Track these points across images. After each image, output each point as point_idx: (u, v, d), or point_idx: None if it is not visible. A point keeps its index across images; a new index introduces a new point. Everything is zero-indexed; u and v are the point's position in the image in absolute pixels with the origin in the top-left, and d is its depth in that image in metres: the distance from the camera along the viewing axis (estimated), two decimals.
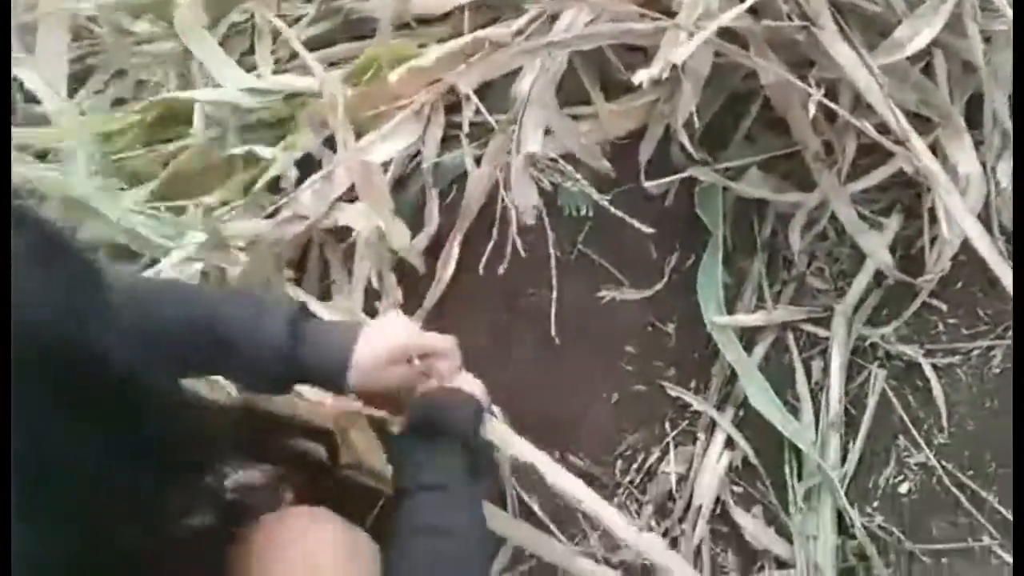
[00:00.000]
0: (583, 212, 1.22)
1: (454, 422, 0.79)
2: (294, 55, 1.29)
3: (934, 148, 1.10)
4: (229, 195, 1.10)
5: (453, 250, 1.15)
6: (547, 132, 1.19)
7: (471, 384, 0.86)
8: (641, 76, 1.00)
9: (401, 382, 0.81)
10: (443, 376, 0.83)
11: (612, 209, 1.14)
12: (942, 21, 1.04)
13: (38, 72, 1.16)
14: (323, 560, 0.71)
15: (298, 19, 1.29)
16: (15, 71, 1.16)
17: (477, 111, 1.17)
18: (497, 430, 0.88)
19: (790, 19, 1.05)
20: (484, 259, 1.14)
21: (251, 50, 1.29)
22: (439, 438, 0.78)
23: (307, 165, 1.15)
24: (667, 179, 1.18)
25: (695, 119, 1.11)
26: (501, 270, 1.15)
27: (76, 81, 1.39)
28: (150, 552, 0.54)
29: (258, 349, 0.76)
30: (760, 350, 1.16)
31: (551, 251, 1.15)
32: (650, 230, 1.17)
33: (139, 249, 1.06)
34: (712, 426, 1.14)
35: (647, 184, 1.18)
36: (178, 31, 1.22)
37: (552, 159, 1.23)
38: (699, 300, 1.16)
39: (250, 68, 1.26)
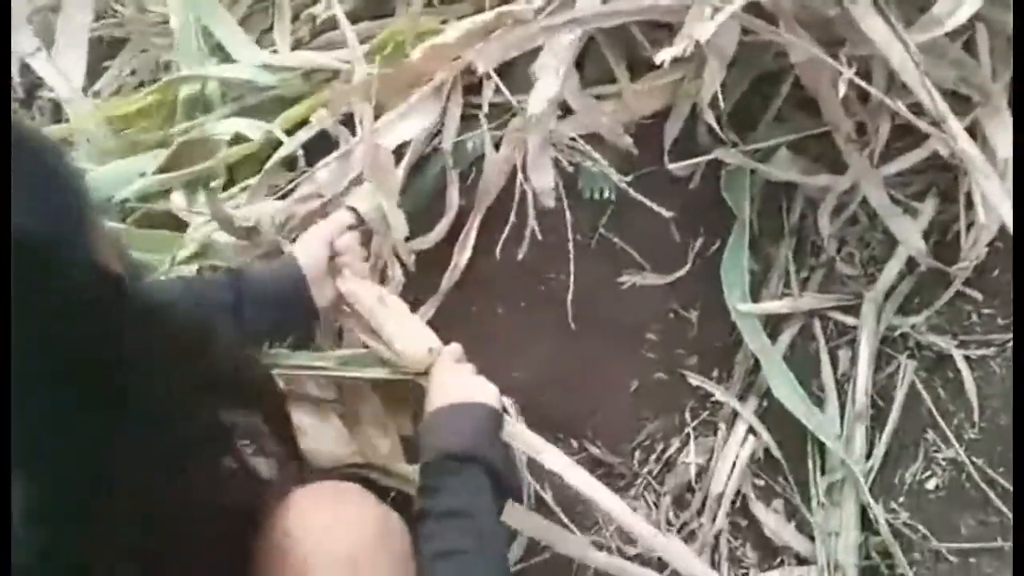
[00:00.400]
0: (605, 195, 1.19)
1: (478, 449, 0.78)
2: (315, 33, 1.29)
3: (973, 129, 1.05)
4: (242, 174, 1.09)
5: (471, 234, 1.13)
6: (569, 112, 1.16)
7: (485, 391, 0.85)
8: (664, 55, 0.97)
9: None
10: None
11: (632, 193, 1.12)
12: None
13: (56, 60, 1.17)
14: (357, 537, 0.70)
15: None
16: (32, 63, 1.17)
17: (497, 90, 1.15)
18: (510, 426, 0.86)
19: None
20: (501, 243, 1.12)
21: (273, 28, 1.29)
22: (465, 465, 0.77)
23: (323, 144, 1.14)
24: (692, 161, 1.14)
25: (721, 99, 1.08)
26: (520, 255, 1.13)
27: (100, 61, 1.40)
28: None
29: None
30: (785, 339, 1.12)
31: (570, 235, 1.13)
32: (671, 214, 1.15)
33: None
34: (734, 417, 1.11)
35: (671, 166, 1.15)
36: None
37: (572, 139, 1.21)
38: (723, 286, 1.13)
39: (272, 46, 1.26)
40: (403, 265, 1.06)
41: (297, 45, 1.27)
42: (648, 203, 1.13)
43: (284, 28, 1.22)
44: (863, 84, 0.98)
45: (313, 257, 0.92)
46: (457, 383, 0.86)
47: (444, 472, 0.76)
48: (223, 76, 1.17)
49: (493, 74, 1.12)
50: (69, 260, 0.49)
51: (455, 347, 0.92)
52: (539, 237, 1.11)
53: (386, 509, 0.76)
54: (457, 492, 0.75)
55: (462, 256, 1.12)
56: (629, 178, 1.14)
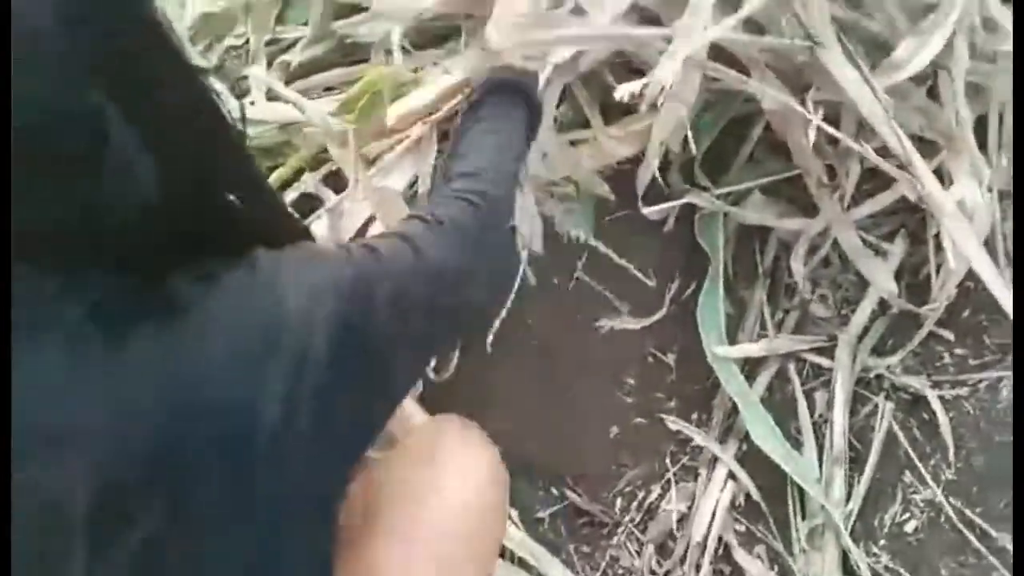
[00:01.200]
0: (581, 239, 1.20)
1: (524, 82, 0.89)
2: (290, 79, 1.28)
3: (939, 172, 1.07)
4: None
5: None
6: (544, 155, 1.17)
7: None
8: (623, 91, 0.97)
9: None
10: None
11: (602, 246, 1.12)
12: (942, 41, 1.01)
13: None
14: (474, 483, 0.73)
15: (294, 43, 1.28)
16: None
17: None
18: None
19: (792, 39, 1.03)
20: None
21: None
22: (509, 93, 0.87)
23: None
24: (665, 205, 1.15)
25: (693, 144, 1.09)
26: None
27: None
28: None
29: None
30: (762, 381, 1.13)
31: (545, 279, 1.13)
32: (649, 254, 1.16)
33: None
34: (714, 461, 1.10)
35: (645, 210, 1.16)
36: None
37: (552, 183, 1.22)
38: (700, 330, 1.13)
39: (245, 92, 1.25)
40: None
41: (271, 90, 1.27)
42: (626, 245, 1.15)
43: (260, 78, 1.22)
44: (832, 130, 0.99)
45: None
46: None
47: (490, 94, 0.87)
48: None
49: None
50: None
51: None
52: (532, 282, 1.11)
53: (496, 453, 0.79)
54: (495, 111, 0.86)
55: None
56: (607, 221, 1.16)
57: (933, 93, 1.08)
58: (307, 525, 0.55)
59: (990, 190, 1.05)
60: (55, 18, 0.41)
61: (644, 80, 0.89)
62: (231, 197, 0.55)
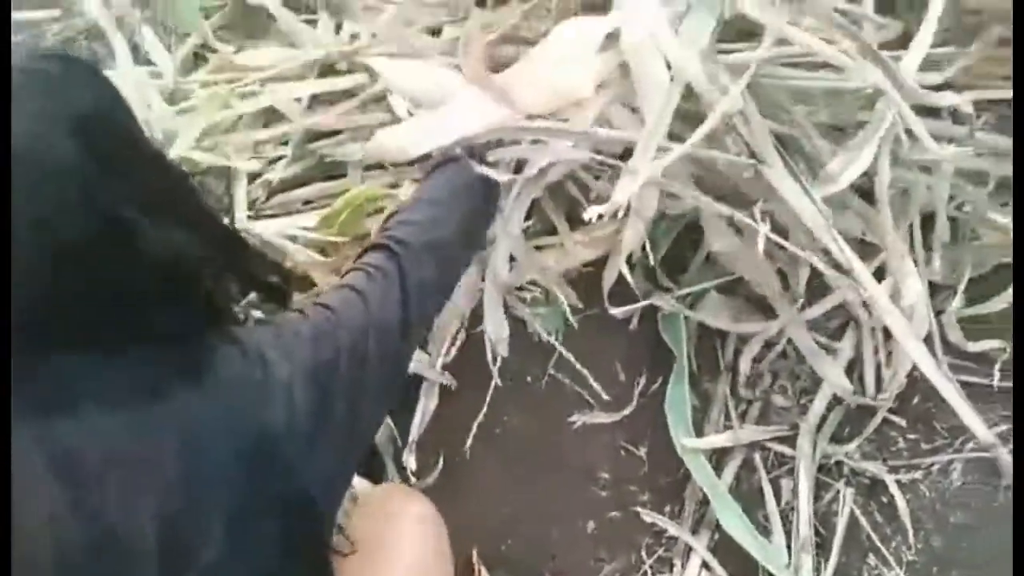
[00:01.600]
0: (553, 338, 1.26)
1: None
2: (270, 194, 1.35)
3: (881, 272, 1.16)
4: None
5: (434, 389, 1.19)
6: (513, 261, 1.24)
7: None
8: (591, 213, 1.05)
9: None
10: None
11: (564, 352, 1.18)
12: (871, 154, 1.11)
13: None
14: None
15: (275, 160, 1.35)
16: None
17: None
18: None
19: (737, 156, 1.12)
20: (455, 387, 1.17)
21: (227, 191, 1.34)
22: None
23: None
24: (630, 307, 1.22)
25: (650, 249, 1.16)
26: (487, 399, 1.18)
27: None
28: None
29: None
30: (730, 471, 1.18)
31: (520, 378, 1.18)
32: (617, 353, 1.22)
33: None
34: (688, 551, 1.15)
35: (612, 311, 1.23)
36: None
37: (520, 288, 1.29)
38: (668, 423, 1.19)
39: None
40: None
41: (252, 205, 1.33)
42: (591, 346, 1.21)
43: (241, 198, 1.28)
44: (780, 240, 1.07)
45: None
46: None
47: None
48: None
49: None
50: None
51: None
52: (498, 383, 1.16)
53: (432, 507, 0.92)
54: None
55: (429, 403, 1.17)
56: (576, 320, 1.22)
57: (870, 199, 1.18)
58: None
59: (930, 285, 1.14)
60: (80, 156, 0.52)
61: (604, 207, 0.97)
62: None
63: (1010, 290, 1.15)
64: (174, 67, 1.48)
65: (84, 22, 1.67)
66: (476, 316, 1.23)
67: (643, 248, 1.19)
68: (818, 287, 1.20)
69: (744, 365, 1.20)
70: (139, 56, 1.60)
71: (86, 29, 1.71)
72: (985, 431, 0.98)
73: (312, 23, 1.41)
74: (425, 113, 1.11)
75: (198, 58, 1.57)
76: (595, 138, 1.09)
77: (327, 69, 1.37)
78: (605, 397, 1.23)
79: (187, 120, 1.31)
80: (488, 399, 1.19)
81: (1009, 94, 1.21)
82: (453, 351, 1.22)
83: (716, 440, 1.19)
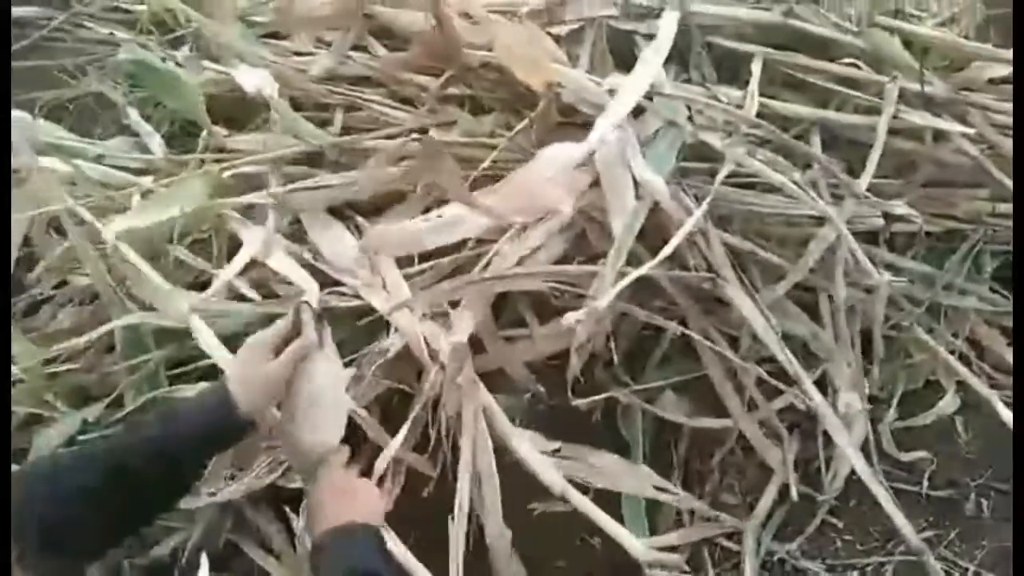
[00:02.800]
0: (518, 423, 1.31)
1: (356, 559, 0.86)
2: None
3: (823, 380, 1.26)
4: None
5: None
6: (483, 350, 1.30)
7: (368, 505, 0.93)
8: (569, 319, 1.13)
9: (283, 371, 0.91)
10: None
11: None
12: (806, 270, 1.24)
13: None
14: None
15: None
16: None
17: None
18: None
19: (696, 270, 1.22)
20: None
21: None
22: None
23: None
24: (591, 399, 1.29)
25: (613, 346, 1.25)
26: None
27: None
28: None
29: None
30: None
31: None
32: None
33: None
34: None
35: (575, 402, 1.29)
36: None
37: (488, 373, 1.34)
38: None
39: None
40: None
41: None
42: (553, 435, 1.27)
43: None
44: (730, 355, 1.17)
45: (242, 363, 0.93)
46: (335, 505, 0.90)
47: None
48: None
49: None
50: None
51: (343, 451, 0.97)
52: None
53: None
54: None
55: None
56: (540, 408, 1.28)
57: (816, 316, 1.29)
58: None
59: (868, 396, 1.25)
60: None
61: (576, 315, 1.05)
62: None
63: (939, 404, 1.26)
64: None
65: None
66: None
67: (605, 344, 1.28)
68: (765, 390, 1.30)
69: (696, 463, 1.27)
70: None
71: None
72: (915, 536, 1.07)
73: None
74: (421, 219, 1.20)
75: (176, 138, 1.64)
76: (563, 272, 1.20)
77: (316, 158, 1.45)
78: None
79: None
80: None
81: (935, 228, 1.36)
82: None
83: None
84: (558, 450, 1.24)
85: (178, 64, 1.54)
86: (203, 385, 1.18)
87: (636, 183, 1.21)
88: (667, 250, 1.10)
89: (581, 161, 1.17)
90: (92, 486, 0.80)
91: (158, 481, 0.85)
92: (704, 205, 1.14)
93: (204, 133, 1.51)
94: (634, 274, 1.11)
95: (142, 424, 0.97)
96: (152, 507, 0.88)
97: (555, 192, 1.14)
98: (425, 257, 1.29)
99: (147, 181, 1.42)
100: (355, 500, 0.93)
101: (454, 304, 1.24)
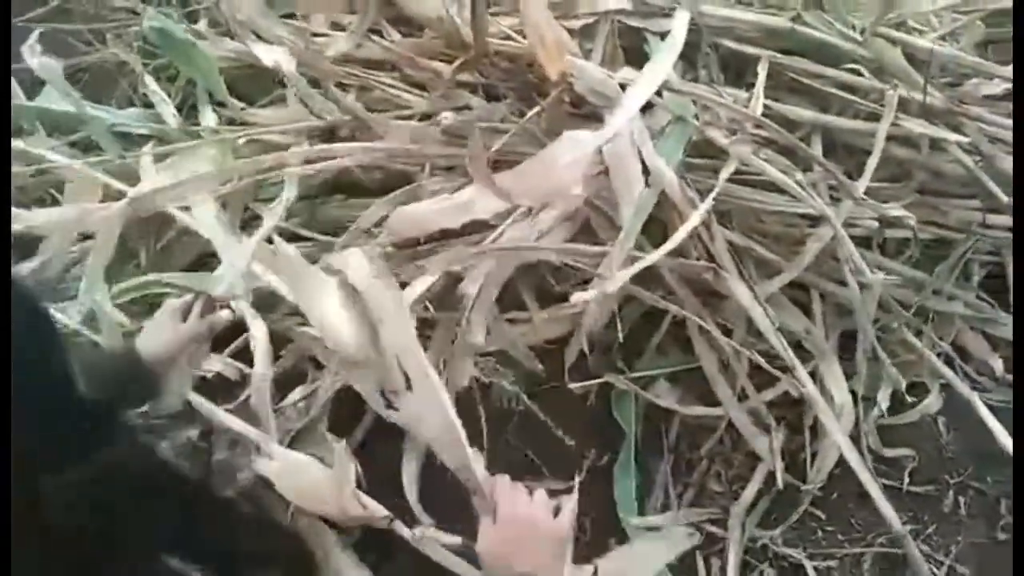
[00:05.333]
0: (513, 404, 1.34)
1: None
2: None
3: (813, 374, 1.30)
4: None
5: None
6: (488, 332, 1.33)
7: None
8: (577, 298, 1.17)
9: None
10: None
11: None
12: (801, 267, 1.28)
13: None
14: None
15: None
16: None
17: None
18: None
19: (698, 259, 1.26)
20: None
21: None
22: None
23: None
24: (587, 383, 1.33)
25: (619, 331, 1.28)
26: None
27: None
28: None
29: None
30: None
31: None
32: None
33: None
34: None
35: (571, 385, 1.33)
36: None
37: (488, 354, 1.37)
38: (615, 497, 1.28)
39: None
40: None
41: None
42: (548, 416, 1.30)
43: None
44: (725, 340, 1.20)
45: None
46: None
47: None
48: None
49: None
50: None
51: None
52: None
53: None
54: None
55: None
56: (536, 391, 1.31)
57: (808, 313, 1.33)
58: None
59: (853, 394, 1.29)
60: None
61: (585, 295, 1.09)
62: None
63: (923, 403, 1.31)
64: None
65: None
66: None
67: (604, 329, 1.32)
68: (757, 383, 1.33)
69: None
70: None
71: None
72: (898, 523, 1.11)
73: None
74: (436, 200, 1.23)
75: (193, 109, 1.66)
76: (574, 251, 1.23)
77: (328, 134, 1.48)
78: (557, 466, 1.31)
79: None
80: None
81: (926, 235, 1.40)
82: None
83: (657, 519, 1.28)
84: None
85: (198, 35, 1.56)
86: None
87: (646, 172, 1.24)
88: (676, 238, 1.14)
89: (596, 149, 1.20)
90: None
91: None
92: (711, 198, 1.18)
93: (213, 106, 1.55)
94: (645, 260, 1.15)
95: None
96: None
97: (568, 177, 1.18)
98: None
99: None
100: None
101: None
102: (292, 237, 1.38)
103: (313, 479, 1.03)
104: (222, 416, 1.06)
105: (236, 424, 1.06)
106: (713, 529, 1.29)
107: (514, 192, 1.20)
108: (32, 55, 1.54)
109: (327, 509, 1.03)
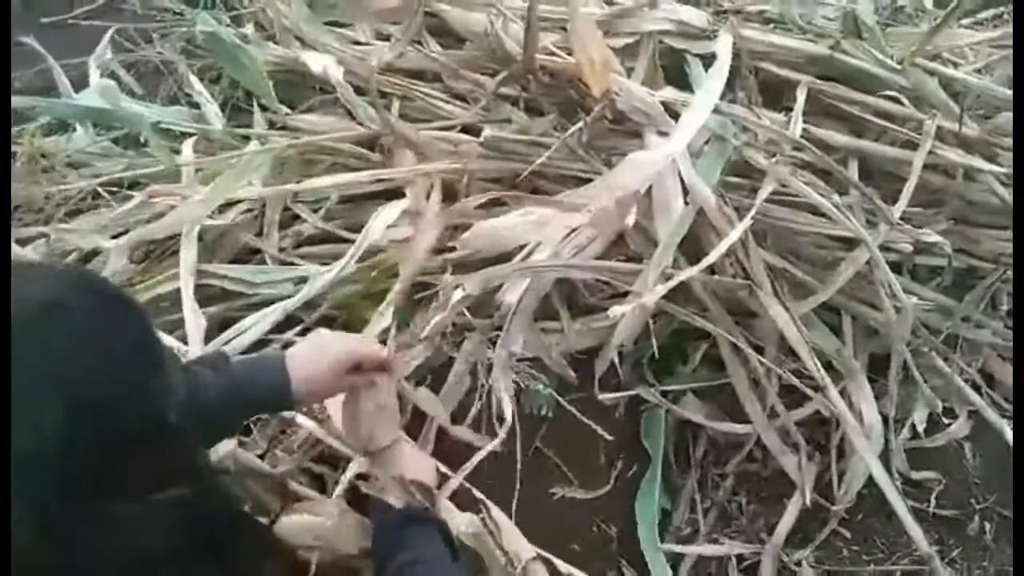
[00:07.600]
0: (543, 413, 1.36)
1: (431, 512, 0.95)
2: (298, 244, 1.45)
3: (842, 394, 1.31)
4: None
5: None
6: (524, 340, 1.35)
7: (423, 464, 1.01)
8: (615, 311, 1.19)
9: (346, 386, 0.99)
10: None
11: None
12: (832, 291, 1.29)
13: None
14: None
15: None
16: None
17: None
18: None
19: (734, 277, 1.28)
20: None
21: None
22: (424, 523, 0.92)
23: None
24: (617, 395, 1.34)
25: (653, 347, 1.29)
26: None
27: None
28: None
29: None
30: (685, 567, 1.29)
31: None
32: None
33: None
34: None
35: (601, 396, 1.34)
36: None
37: (522, 359, 1.39)
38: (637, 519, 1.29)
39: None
40: None
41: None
42: (577, 426, 1.32)
43: (272, 242, 1.38)
44: (759, 358, 1.22)
45: (314, 364, 0.94)
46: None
47: (405, 527, 0.91)
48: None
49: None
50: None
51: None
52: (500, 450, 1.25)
53: None
54: (418, 546, 0.89)
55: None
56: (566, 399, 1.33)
57: (838, 333, 1.35)
58: None
59: (883, 415, 1.30)
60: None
61: (622, 308, 1.10)
62: None
63: (951, 428, 1.32)
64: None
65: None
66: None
67: (635, 343, 1.34)
68: (787, 402, 1.35)
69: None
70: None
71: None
72: (925, 543, 1.12)
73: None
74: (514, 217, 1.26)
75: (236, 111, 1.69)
76: (610, 268, 1.25)
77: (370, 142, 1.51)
78: (585, 476, 1.33)
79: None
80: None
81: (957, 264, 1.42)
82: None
83: (678, 548, 1.30)
84: None
85: (244, 39, 1.59)
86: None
87: (684, 190, 1.27)
88: (714, 255, 1.16)
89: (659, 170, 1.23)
90: None
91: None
92: (750, 215, 1.20)
93: (257, 110, 1.57)
94: (681, 275, 1.17)
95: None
96: None
97: (630, 199, 1.20)
98: None
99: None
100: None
101: None
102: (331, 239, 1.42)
103: None
104: None
105: None
106: (742, 549, 1.30)
107: (583, 212, 1.23)
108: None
109: None
